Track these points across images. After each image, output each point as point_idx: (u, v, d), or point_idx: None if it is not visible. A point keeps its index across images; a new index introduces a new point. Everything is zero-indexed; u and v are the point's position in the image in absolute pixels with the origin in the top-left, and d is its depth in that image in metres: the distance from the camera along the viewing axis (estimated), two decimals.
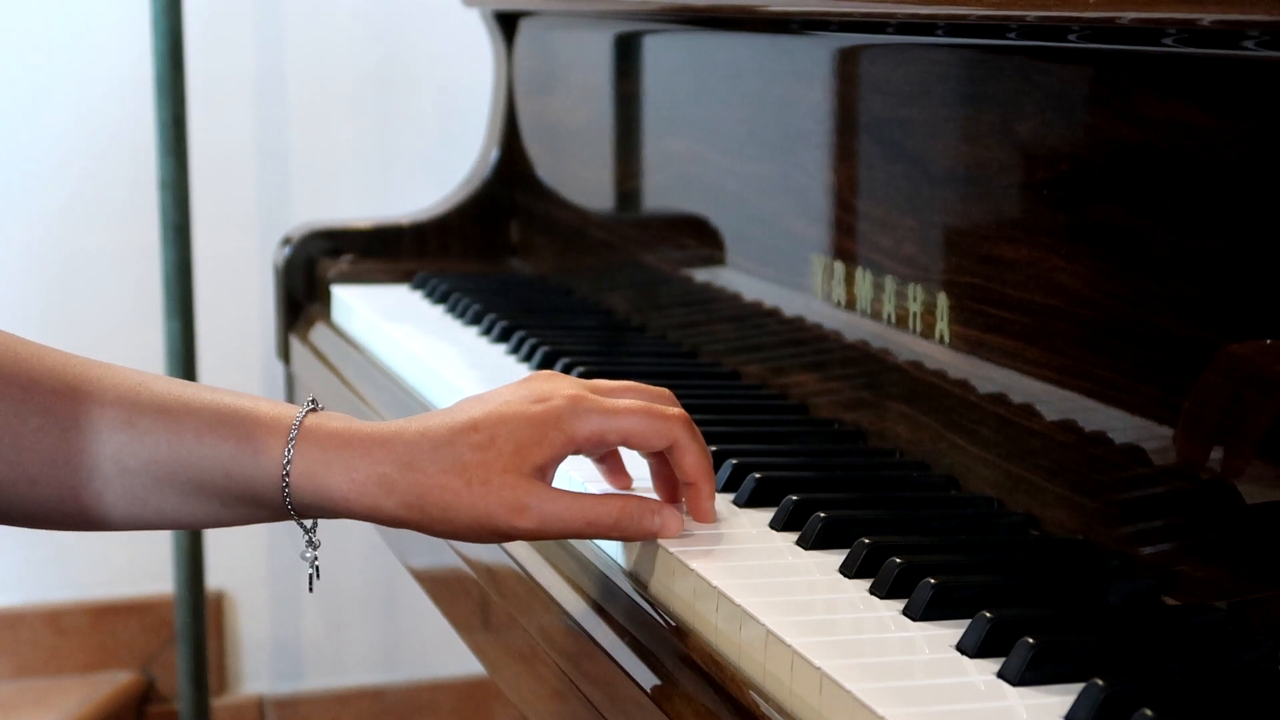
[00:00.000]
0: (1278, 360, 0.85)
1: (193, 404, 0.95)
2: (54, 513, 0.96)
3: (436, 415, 0.96)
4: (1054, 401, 1.01)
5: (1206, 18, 0.82)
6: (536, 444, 0.94)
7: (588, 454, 1.01)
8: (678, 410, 0.99)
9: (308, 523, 0.98)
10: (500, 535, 0.95)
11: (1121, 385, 0.95)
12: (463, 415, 0.95)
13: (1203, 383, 0.89)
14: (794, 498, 1.02)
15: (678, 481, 1.02)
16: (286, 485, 0.94)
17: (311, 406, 0.97)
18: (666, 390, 1.02)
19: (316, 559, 1.00)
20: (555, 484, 0.98)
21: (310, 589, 1.01)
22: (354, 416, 1.36)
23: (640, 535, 0.98)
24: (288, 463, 0.94)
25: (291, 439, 0.94)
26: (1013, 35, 1.02)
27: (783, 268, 1.35)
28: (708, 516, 1.00)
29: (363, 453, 0.94)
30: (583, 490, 1.06)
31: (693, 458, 0.99)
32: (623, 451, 1.06)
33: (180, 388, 0.97)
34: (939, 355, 1.12)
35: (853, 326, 1.23)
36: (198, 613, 2.30)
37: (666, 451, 0.99)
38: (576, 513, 0.95)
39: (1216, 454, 0.88)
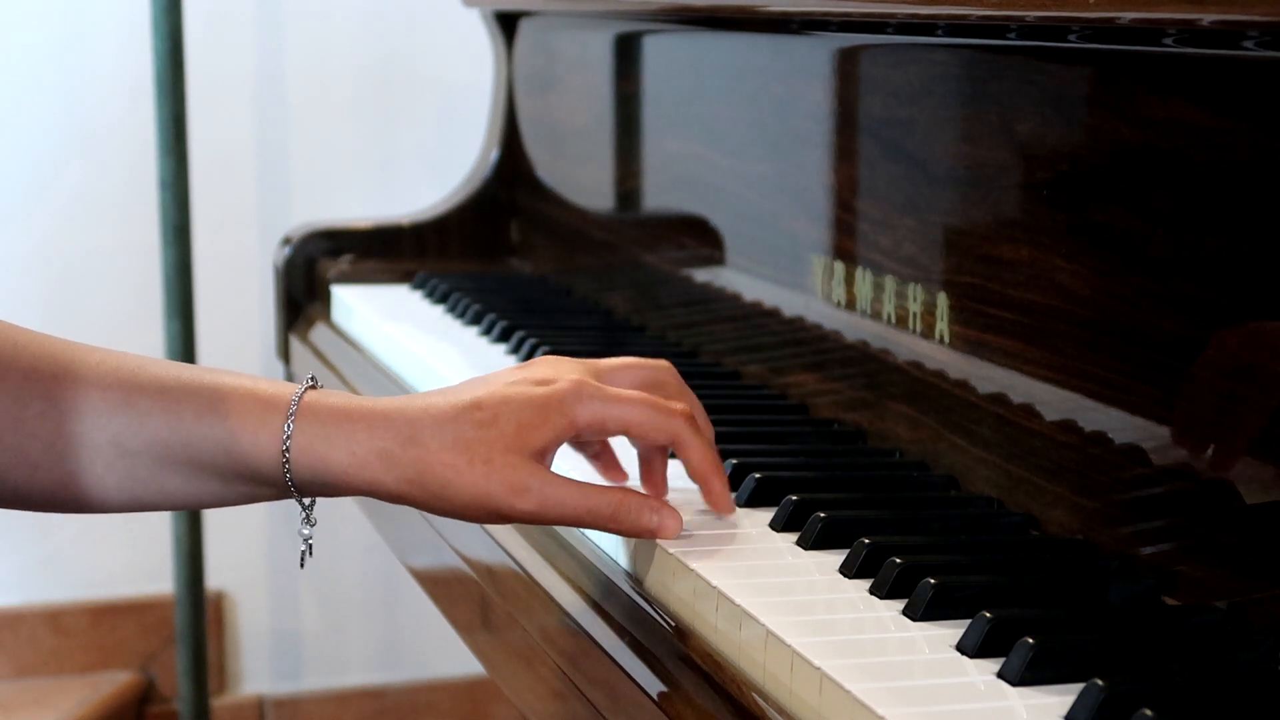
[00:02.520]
0: (1278, 360, 0.85)
1: (191, 384, 0.96)
2: (55, 497, 0.96)
3: (439, 393, 0.96)
4: (1054, 401, 1.01)
5: (1206, 18, 0.82)
6: (538, 425, 0.94)
7: (587, 439, 1.01)
8: (681, 406, 0.99)
9: (307, 501, 0.98)
10: (499, 516, 0.95)
11: (1121, 385, 0.95)
12: (466, 394, 0.95)
13: (1203, 383, 0.89)
14: (794, 498, 1.02)
15: (664, 481, 1.02)
16: (287, 461, 0.94)
17: (311, 384, 0.97)
18: (666, 363, 1.02)
19: (310, 537, 1.00)
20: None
21: (302, 565, 1.01)
22: None
23: (637, 530, 0.98)
24: (288, 438, 0.94)
25: (291, 414, 0.94)
26: (1013, 35, 1.02)
27: (783, 268, 1.35)
28: (726, 508, 1.01)
29: (364, 427, 0.94)
30: None
31: (698, 454, 0.99)
32: (620, 454, 1.06)
33: (179, 369, 0.97)
34: (939, 355, 1.12)
35: (853, 326, 1.23)
36: (198, 612, 2.29)
37: (673, 448, 0.99)
38: (577, 499, 0.95)
39: (1216, 454, 0.88)
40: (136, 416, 0.95)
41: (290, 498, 0.96)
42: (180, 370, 0.97)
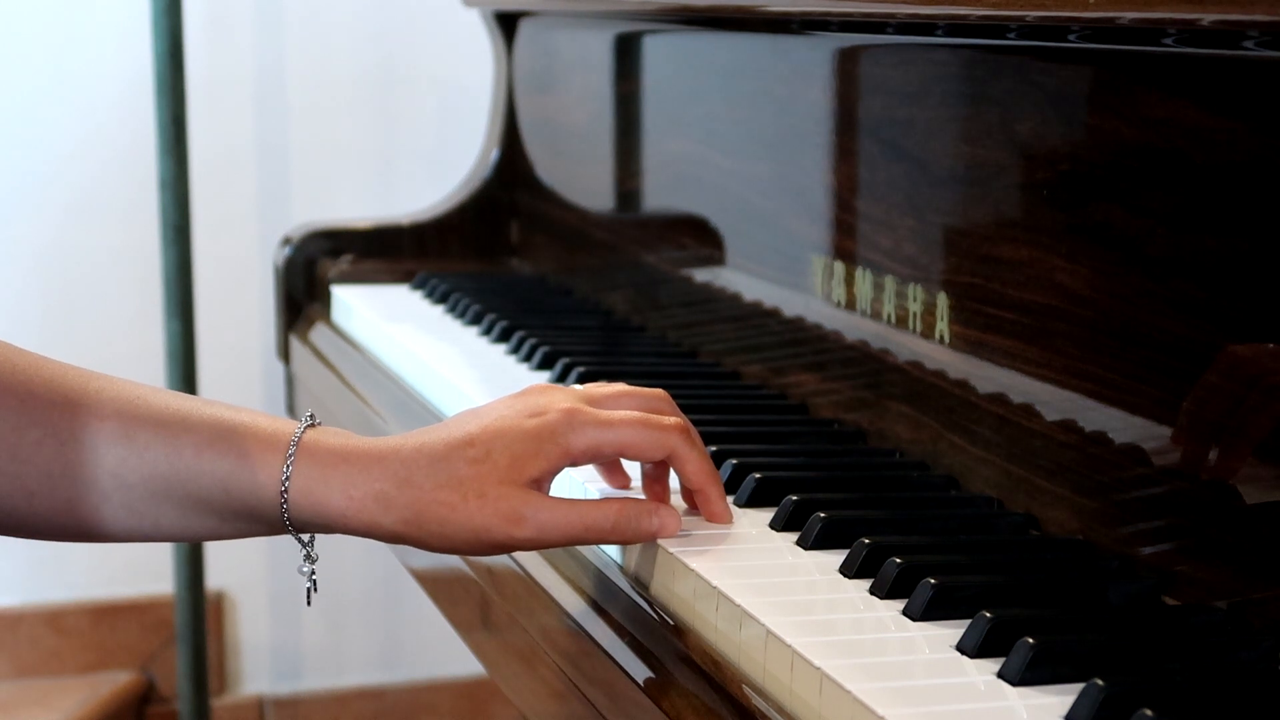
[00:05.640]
0: (1278, 362, 0.85)
1: (191, 418, 0.95)
2: (51, 524, 0.96)
3: (433, 430, 0.97)
4: (1054, 401, 1.01)
5: (1206, 18, 0.82)
6: (532, 457, 0.95)
7: (584, 465, 1.01)
8: (674, 420, 0.99)
9: (305, 537, 0.99)
10: (499, 546, 0.95)
11: (1121, 385, 0.95)
12: (459, 430, 0.96)
13: (1203, 383, 0.89)
14: (794, 498, 1.02)
15: (668, 484, 1.02)
16: (285, 502, 0.94)
17: (310, 422, 0.97)
18: (662, 391, 1.02)
19: (314, 573, 1.01)
20: (556, 487, 0.98)
21: (309, 603, 1.01)
22: (356, 413, 1.36)
23: (639, 537, 0.98)
24: (286, 479, 0.94)
25: (290, 456, 0.94)
26: (1013, 35, 1.02)
27: (783, 268, 1.35)
28: (724, 518, 1.01)
29: (360, 470, 0.94)
30: (584, 490, 1.07)
31: (694, 465, 0.99)
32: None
33: (179, 401, 0.97)
34: (939, 355, 1.12)
35: (853, 326, 1.23)
36: (198, 613, 2.30)
37: (669, 462, 0.99)
38: (574, 519, 0.95)
39: (1216, 454, 0.88)
40: (135, 449, 0.95)
41: (286, 534, 0.97)
42: (181, 403, 0.97)
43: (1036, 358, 1.02)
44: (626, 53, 1.67)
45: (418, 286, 1.85)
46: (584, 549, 1.06)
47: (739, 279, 1.44)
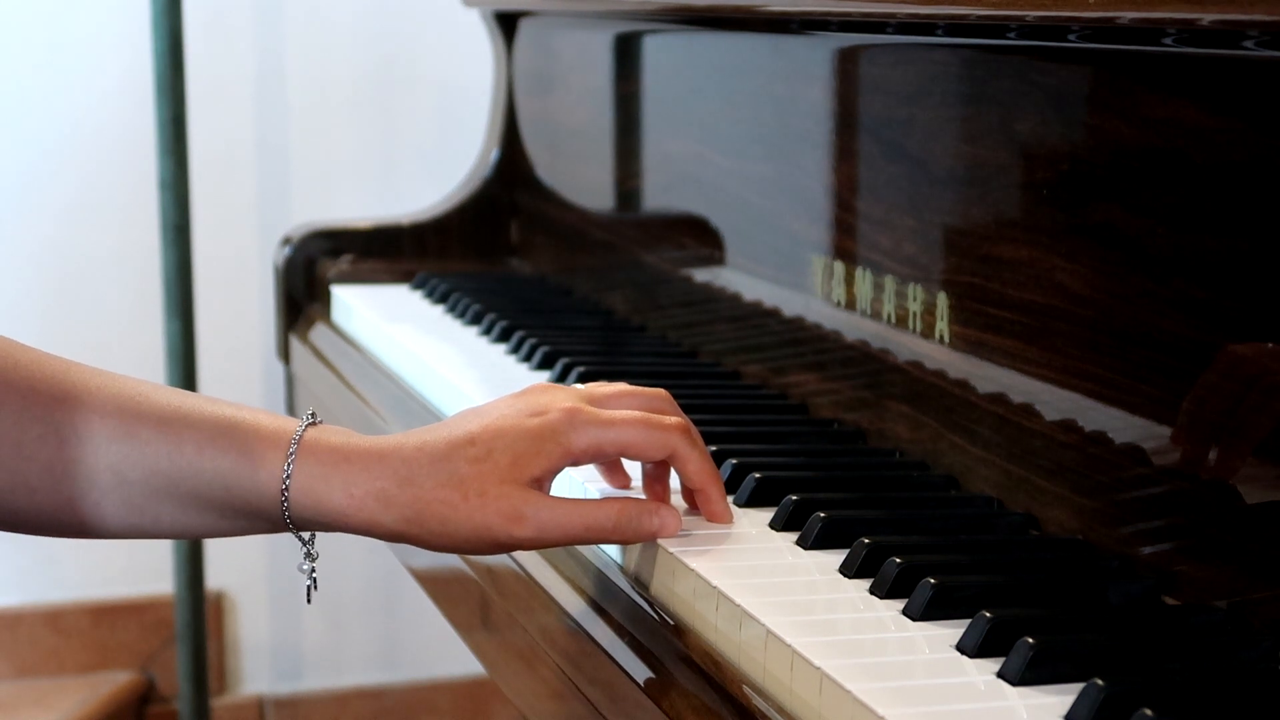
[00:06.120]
0: (1278, 362, 0.85)
1: (193, 416, 0.96)
2: (52, 521, 0.96)
3: (434, 429, 0.97)
4: (1054, 401, 1.01)
5: (1206, 18, 0.82)
6: (534, 456, 0.95)
7: (585, 464, 1.01)
8: (676, 419, 0.99)
9: (305, 535, 0.99)
10: (500, 545, 0.95)
11: (1121, 385, 0.95)
12: (460, 429, 0.96)
13: (1203, 383, 0.89)
14: (794, 498, 1.02)
15: (668, 484, 1.02)
16: (285, 500, 0.94)
17: (311, 420, 0.97)
18: (663, 391, 1.02)
19: (314, 571, 1.01)
20: (556, 486, 0.98)
21: (309, 600, 1.01)
22: (356, 412, 1.36)
23: (640, 537, 0.98)
24: (287, 478, 0.94)
25: (291, 454, 0.94)
26: (1013, 35, 1.02)
27: (783, 268, 1.35)
28: (724, 518, 1.01)
29: (361, 468, 0.94)
30: (584, 489, 1.07)
31: (695, 465, 0.99)
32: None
33: (180, 398, 0.97)
34: (939, 355, 1.12)
35: (853, 326, 1.23)
36: (198, 613, 2.29)
37: (670, 462, 0.99)
38: (575, 518, 0.95)
39: (1216, 454, 0.88)
40: (136, 446, 0.95)
41: (287, 532, 0.97)
42: (182, 400, 0.97)
43: (1036, 358, 1.02)
44: (626, 53, 1.67)
45: (418, 286, 1.85)
46: (584, 549, 1.06)
47: (739, 279, 1.44)
